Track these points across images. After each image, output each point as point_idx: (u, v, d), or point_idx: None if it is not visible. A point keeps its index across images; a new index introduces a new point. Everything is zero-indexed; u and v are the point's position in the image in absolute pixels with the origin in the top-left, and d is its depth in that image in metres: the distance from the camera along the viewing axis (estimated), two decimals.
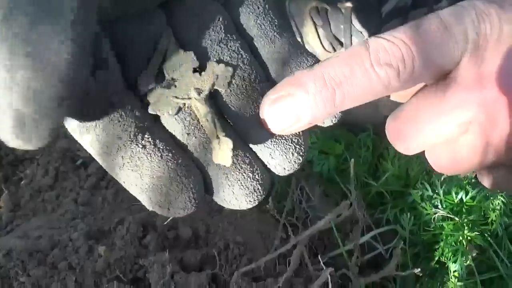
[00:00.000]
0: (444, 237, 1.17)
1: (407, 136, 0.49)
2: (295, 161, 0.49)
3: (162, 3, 0.52)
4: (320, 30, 1.25)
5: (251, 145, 0.49)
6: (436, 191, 1.18)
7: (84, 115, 0.47)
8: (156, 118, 0.50)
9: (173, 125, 0.50)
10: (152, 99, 0.50)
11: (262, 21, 0.53)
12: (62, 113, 0.41)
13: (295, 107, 0.45)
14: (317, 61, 0.51)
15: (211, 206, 1.17)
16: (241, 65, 0.51)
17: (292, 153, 0.49)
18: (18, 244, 1.01)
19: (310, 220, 1.18)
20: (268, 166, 0.49)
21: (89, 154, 0.49)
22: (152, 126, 0.49)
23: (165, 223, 1.07)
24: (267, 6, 0.54)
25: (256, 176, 0.48)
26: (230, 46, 0.51)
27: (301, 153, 0.49)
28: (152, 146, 0.47)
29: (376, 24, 1.22)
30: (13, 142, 0.40)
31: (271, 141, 0.49)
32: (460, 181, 1.18)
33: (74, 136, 0.48)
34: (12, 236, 1.05)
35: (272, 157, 0.49)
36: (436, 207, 1.18)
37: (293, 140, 0.49)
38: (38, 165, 1.22)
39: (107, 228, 1.07)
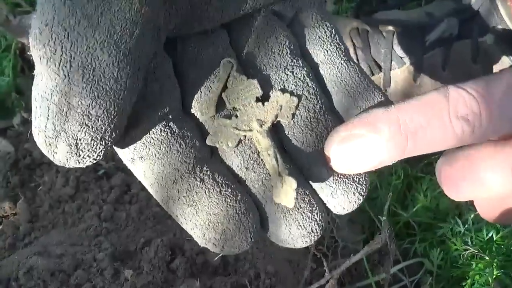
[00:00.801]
0: (472, 275, 1.15)
1: (461, 185, 0.46)
2: (355, 201, 0.47)
3: (225, 22, 0.49)
4: (359, 52, 1.21)
5: (311, 182, 0.47)
6: (467, 227, 1.16)
7: (135, 139, 0.44)
8: (213, 149, 0.47)
9: (231, 158, 0.47)
10: (211, 129, 0.46)
11: (328, 46, 0.50)
12: (118, 137, 0.40)
13: (365, 149, 0.43)
14: (383, 95, 0.49)
15: None
16: (306, 94, 0.48)
17: (353, 193, 0.46)
18: (39, 262, 0.96)
19: (340, 249, 1.14)
20: (327, 205, 0.47)
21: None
22: (209, 158, 0.46)
23: (194, 247, 1.03)
24: (333, 30, 0.51)
25: (315, 216, 0.45)
26: (296, 74, 0.49)
27: (362, 193, 0.47)
28: (211, 180, 0.44)
29: (418, 51, 1.19)
30: (66, 163, 0.39)
31: (333, 180, 0.46)
32: None
33: (124, 161, 0.45)
34: (32, 251, 1.00)
35: (333, 197, 0.46)
36: (466, 243, 1.15)
37: (355, 179, 0.47)
38: (57, 172, 1.17)
39: (133, 249, 1.02)
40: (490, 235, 1.15)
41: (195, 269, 1.01)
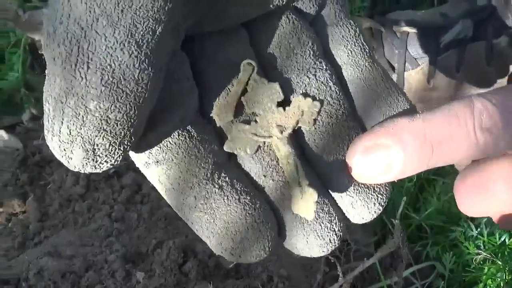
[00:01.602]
0: (484, 279, 1.14)
1: (475, 201, 0.45)
2: (375, 211, 0.45)
3: (245, 21, 0.46)
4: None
5: (330, 191, 0.45)
6: (479, 231, 1.15)
7: (154, 145, 0.42)
8: (231, 154, 0.45)
9: (249, 164, 0.45)
10: (229, 134, 0.44)
11: (353, 47, 0.48)
12: (136, 141, 0.38)
13: (388, 160, 0.41)
14: (407, 101, 0.47)
15: None
16: (328, 99, 0.46)
17: (374, 203, 0.44)
18: (50, 263, 0.95)
19: (352, 252, 1.14)
20: (346, 214, 0.45)
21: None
22: (228, 164, 0.44)
23: (206, 250, 1.02)
24: (358, 29, 0.49)
25: (334, 227, 0.43)
26: (319, 77, 0.46)
27: (382, 203, 0.45)
28: (230, 187, 0.42)
29: (432, 53, 1.17)
30: (81, 169, 0.37)
31: (354, 189, 0.44)
32: None
33: (137, 165, 0.43)
34: (42, 252, 0.99)
35: (353, 207, 0.44)
36: (479, 247, 1.15)
37: (376, 189, 0.45)
38: (67, 170, 1.16)
39: (145, 251, 1.02)
40: (502, 239, 1.14)
41: (207, 272, 1.00)
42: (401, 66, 1.19)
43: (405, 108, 0.47)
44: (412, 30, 1.18)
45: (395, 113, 0.46)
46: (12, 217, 1.12)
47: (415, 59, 1.19)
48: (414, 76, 1.19)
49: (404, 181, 1.23)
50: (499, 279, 1.11)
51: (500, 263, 1.12)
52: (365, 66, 0.47)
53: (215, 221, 0.42)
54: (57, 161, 1.16)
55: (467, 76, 1.19)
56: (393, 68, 1.20)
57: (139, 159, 0.42)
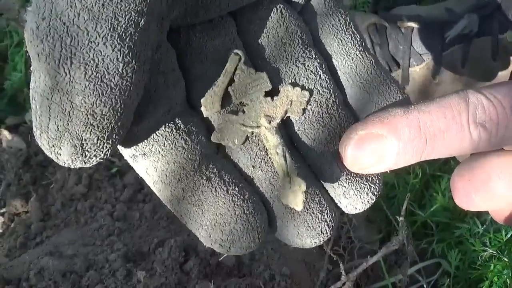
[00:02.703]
0: (490, 277, 1.13)
1: (473, 197, 0.45)
2: (368, 201, 0.44)
3: (232, 10, 0.45)
4: (377, 48, 1.19)
5: (322, 181, 0.44)
6: (485, 228, 1.14)
7: (141, 138, 0.41)
8: (219, 145, 0.44)
9: (238, 155, 0.44)
10: (217, 125, 0.44)
11: (343, 35, 0.47)
12: (124, 134, 0.38)
13: (382, 150, 0.41)
14: (400, 90, 0.46)
15: None
16: (318, 88, 0.45)
17: (367, 193, 0.44)
18: (51, 263, 0.94)
19: (356, 250, 1.13)
20: (339, 204, 0.44)
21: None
22: (216, 155, 0.44)
23: (207, 249, 1.01)
24: (348, 17, 0.48)
25: (325, 217, 0.43)
26: (308, 66, 0.45)
27: (375, 193, 0.44)
28: (218, 179, 0.42)
29: (437, 48, 1.16)
30: (71, 164, 0.37)
31: (346, 179, 0.44)
32: None
33: (126, 158, 0.42)
34: (43, 251, 0.99)
35: (345, 196, 0.44)
36: (485, 244, 1.13)
37: (368, 178, 0.44)
38: (69, 170, 1.16)
39: (146, 250, 1.01)
40: (508, 236, 1.13)
41: (208, 271, 0.99)
42: (406, 61, 1.17)
43: (398, 97, 0.46)
44: (416, 26, 1.16)
45: (387, 102, 0.46)
46: (15, 217, 1.12)
47: (420, 54, 1.17)
48: (419, 71, 1.18)
49: (409, 177, 1.22)
50: (505, 276, 1.10)
51: (506, 260, 1.11)
52: (356, 55, 0.47)
53: (203, 213, 0.41)
54: None
55: (473, 71, 1.18)
56: (397, 64, 1.19)
57: (126, 152, 0.42)
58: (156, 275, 0.96)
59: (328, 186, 0.44)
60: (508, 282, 1.10)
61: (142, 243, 1.02)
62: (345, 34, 0.47)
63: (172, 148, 0.41)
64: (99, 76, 0.35)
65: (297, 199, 0.41)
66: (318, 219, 0.43)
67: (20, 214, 1.13)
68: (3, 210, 1.13)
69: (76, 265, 0.95)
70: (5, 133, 1.22)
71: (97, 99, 0.35)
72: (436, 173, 1.24)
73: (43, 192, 1.15)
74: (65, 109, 0.35)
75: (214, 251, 1.01)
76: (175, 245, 0.99)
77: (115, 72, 0.35)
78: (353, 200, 0.44)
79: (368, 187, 0.44)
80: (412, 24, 1.16)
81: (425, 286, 1.15)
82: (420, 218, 1.20)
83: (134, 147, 0.41)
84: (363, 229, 1.17)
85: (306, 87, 0.45)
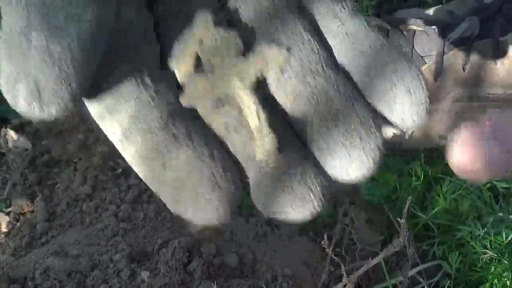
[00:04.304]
0: (491, 279, 1.13)
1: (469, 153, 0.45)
2: (367, 170, 0.38)
3: None
4: None
5: (312, 148, 0.40)
6: (486, 230, 1.15)
7: (108, 95, 0.40)
8: (192, 109, 0.42)
9: (210, 118, 0.42)
10: (186, 87, 0.42)
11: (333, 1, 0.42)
12: (83, 79, 0.36)
13: None
14: (399, 49, 0.41)
15: (256, 231, 1.13)
16: (300, 46, 0.41)
17: (362, 161, 0.38)
18: (56, 263, 0.95)
19: (358, 251, 1.14)
20: (332, 173, 0.39)
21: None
22: (185, 115, 0.41)
23: (211, 249, 1.02)
24: None
25: (309, 184, 0.38)
26: (289, 26, 0.42)
27: (375, 159, 0.38)
28: (185, 137, 0.40)
29: (439, 51, 1.17)
30: (28, 112, 0.35)
31: (338, 146, 0.38)
32: (511, 222, 1.15)
33: (95, 119, 0.41)
34: (49, 251, 1.00)
35: (334, 161, 0.39)
36: (485, 246, 1.14)
37: (364, 148, 0.38)
38: (75, 170, 1.17)
39: (150, 250, 1.02)
40: (509, 238, 1.14)
41: (212, 271, 1.00)
42: None
43: (402, 63, 0.40)
44: (418, 28, 1.17)
45: (385, 62, 0.39)
46: (20, 217, 1.13)
47: (422, 57, 1.18)
48: None
49: (411, 180, 1.22)
50: (505, 279, 1.11)
51: (506, 262, 1.12)
52: (345, 17, 0.42)
53: (166, 169, 0.39)
54: (65, 161, 1.18)
55: (474, 73, 1.19)
56: None
57: (95, 111, 0.41)
58: (160, 275, 0.96)
59: (315, 151, 0.40)
60: (508, 285, 1.10)
61: (146, 243, 1.03)
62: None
63: (137, 105, 0.40)
64: (54, 14, 0.34)
65: (270, 157, 0.38)
66: (301, 185, 0.38)
67: (26, 214, 1.13)
68: (9, 209, 1.14)
69: (81, 265, 0.96)
70: (11, 133, 1.22)
71: (52, 37, 0.34)
72: (438, 175, 1.25)
73: (48, 192, 1.16)
74: (22, 47, 0.34)
75: (218, 252, 1.02)
76: (178, 245, 1.00)
77: (71, 12, 0.35)
78: (347, 169, 0.38)
79: (366, 155, 0.38)
80: (414, 27, 1.17)
81: (426, 287, 1.16)
82: (421, 220, 1.21)
83: (102, 105, 0.40)
84: (365, 231, 1.18)
85: (285, 46, 0.41)
